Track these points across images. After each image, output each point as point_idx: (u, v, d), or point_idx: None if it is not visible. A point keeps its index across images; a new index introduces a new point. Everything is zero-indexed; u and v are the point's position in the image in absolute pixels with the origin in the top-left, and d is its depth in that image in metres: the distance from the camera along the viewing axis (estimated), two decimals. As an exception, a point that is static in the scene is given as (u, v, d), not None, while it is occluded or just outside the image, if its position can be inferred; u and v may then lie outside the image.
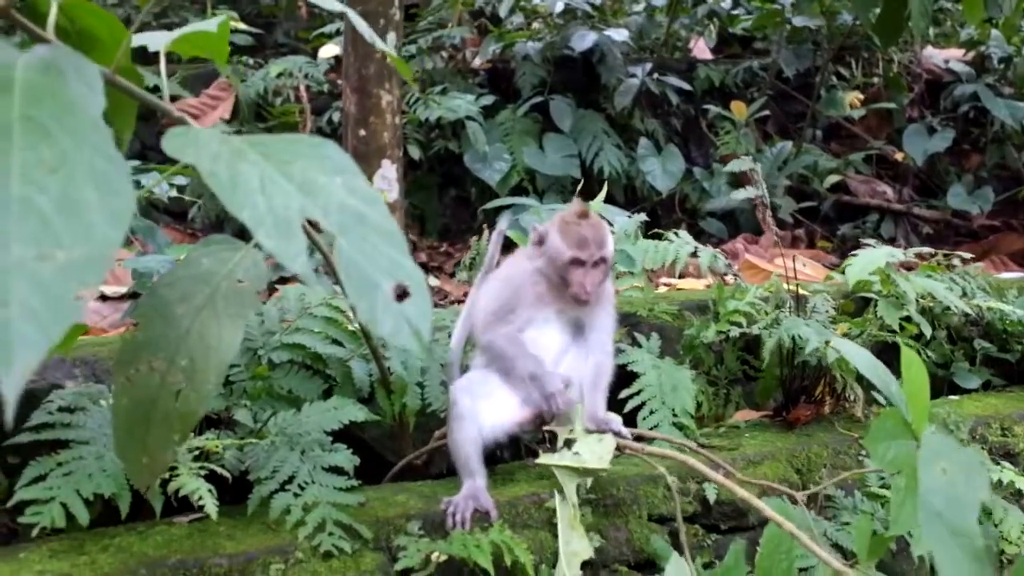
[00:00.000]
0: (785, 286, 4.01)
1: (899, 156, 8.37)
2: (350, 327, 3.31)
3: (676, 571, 2.72)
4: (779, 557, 2.58)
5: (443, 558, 2.70)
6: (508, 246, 3.67)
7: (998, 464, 3.65)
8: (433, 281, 6.10)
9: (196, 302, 2.12)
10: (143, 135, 7.90)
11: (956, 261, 4.58)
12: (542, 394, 2.91)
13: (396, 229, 1.67)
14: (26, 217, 1.33)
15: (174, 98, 6.56)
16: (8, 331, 1.23)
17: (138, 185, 5.55)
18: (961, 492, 2.07)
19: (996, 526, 3.50)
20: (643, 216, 4.14)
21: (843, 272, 4.03)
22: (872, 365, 2.60)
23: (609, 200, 4.85)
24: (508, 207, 5.24)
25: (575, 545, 2.87)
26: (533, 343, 3.00)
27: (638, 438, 3.21)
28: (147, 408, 2.11)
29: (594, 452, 2.94)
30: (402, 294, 1.58)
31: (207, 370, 2.09)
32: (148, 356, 2.10)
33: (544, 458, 2.97)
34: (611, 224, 4.10)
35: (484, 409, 2.96)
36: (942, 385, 4.49)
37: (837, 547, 3.15)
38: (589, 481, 2.99)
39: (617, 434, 2.97)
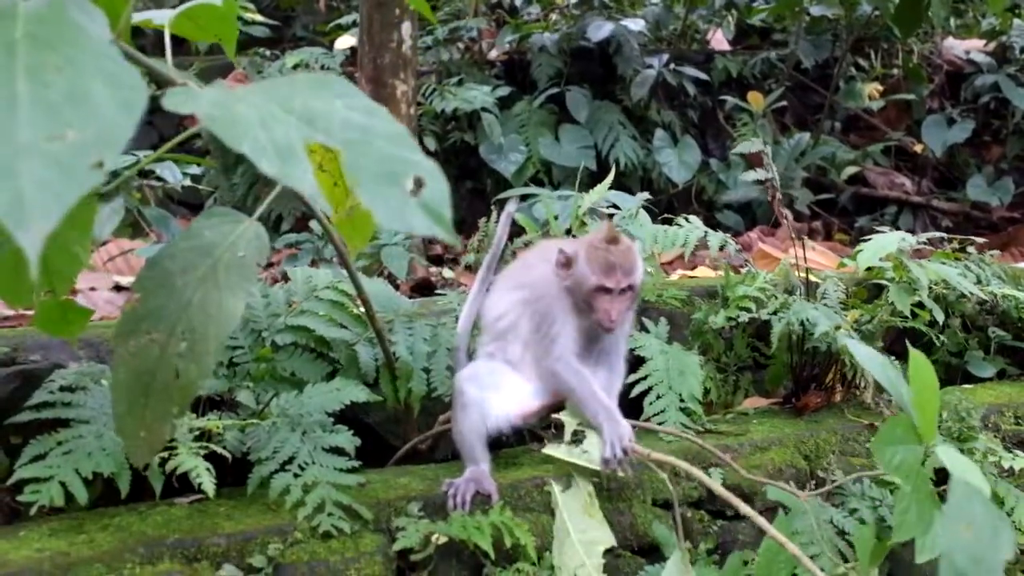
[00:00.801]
0: (796, 273, 3.98)
1: (918, 148, 8.29)
2: (356, 311, 3.30)
3: (676, 566, 2.70)
4: (777, 567, 2.57)
5: (443, 540, 2.69)
6: (516, 232, 3.67)
7: (1011, 452, 3.60)
8: (448, 273, 6.08)
9: (198, 273, 2.12)
10: (161, 126, 7.96)
11: (971, 249, 4.52)
12: (609, 438, 2.83)
13: (402, 130, 1.64)
14: (34, 107, 1.33)
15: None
16: (21, 200, 1.23)
17: (154, 176, 5.58)
18: (986, 552, 2.05)
19: (1009, 515, 3.46)
20: (646, 195, 4.11)
21: (855, 258, 3.98)
22: (882, 367, 2.59)
23: (624, 191, 4.82)
24: (523, 198, 5.23)
25: (593, 533, 2.84)
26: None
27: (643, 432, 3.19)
28: (146, 380, 2.10)
29: None
30: (419, 187, 1.56)
31: (207, 341, 2.08)
32: (148, 327, 2.09)
33: (551, 449, 2.94)
34: (618, 209, 4.08)
35: (491, 400, 2.94)
36: (956, 374, 4.44)
37: (842, 534, 3.11)
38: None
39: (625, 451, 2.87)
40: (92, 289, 4.80)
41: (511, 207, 3.36)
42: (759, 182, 3.77)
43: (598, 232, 2.96)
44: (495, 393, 2.97)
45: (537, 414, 3.03)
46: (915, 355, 2.50)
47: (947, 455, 2.50)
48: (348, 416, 3.05)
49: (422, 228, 1.55)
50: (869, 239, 3.82)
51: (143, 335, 2.12)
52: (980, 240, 4.51)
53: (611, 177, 4.38)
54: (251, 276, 2.18)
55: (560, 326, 2.93)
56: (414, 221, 1.55)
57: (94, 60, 1.44)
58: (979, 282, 4.20)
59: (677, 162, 7.62)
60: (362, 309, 3.24)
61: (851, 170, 8.06)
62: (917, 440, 2.46)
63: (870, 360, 2.63)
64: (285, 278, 4.18)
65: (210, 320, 2.10)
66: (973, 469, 2.55)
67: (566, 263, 2.92)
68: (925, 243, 4.15)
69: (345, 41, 7.84)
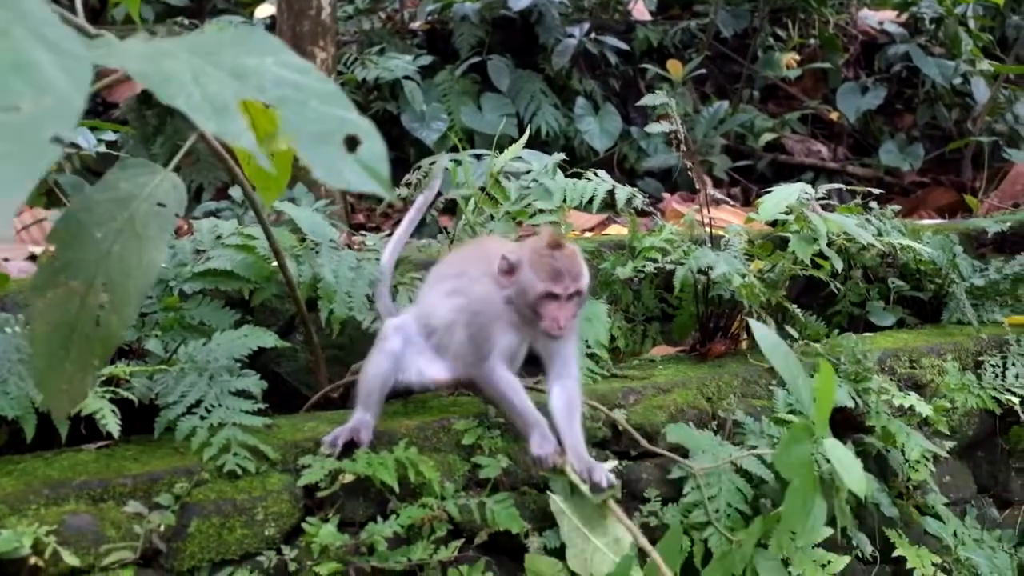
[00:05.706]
0: (702, 226, 4.08)
1: (834, 115, 8.47)
2: (265, 254, 3.33)
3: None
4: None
5: (349, 478, 2.74)
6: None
7: (903, 392, 3.75)
8: (371, 241, 6.10)
9: (116, 224, 2.09)
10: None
11: (873, 204, 4.67)
12: (536, 453, 2.86)
13: (335, 89, 1.67)
14: None
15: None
16: None
17: (68, 142, 5.53)
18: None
19: (901, 451, 3.61)
20: (562, 155, 4.18)
21: (758, 210, 4.09)
22: (784, 358, 2.87)
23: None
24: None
25: (616, 533, 2.92)
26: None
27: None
28: (66, 332, 2.06)
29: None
30: (354, 145, 1.60)
31: (128, 291, 2.07)
32: (66, 279, 2.07)
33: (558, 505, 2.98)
34: (531, 169, 4.14)
35: (409, 356, 3.00)
36: (858, 324, 4.60)
37: (743, 472, 3.22)
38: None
39: (596, 486, 2.87)
40: (6, 260, 4.75)
41: (444, 161, 3.44)
42: (666, 136, 3.85)
43: (540, 238, 2.90)
44: (417, 353, 3.02)
45: (447, 384, 3.09)
46: (824, 365, 2.74)
47: (831, 447, 2.78)
48: (260, 367, 3.09)
49: (360, 184, 1.58)
50: (770, 190, 3.92)
51: (61, 287, 2.10)
52: (876, 191, 4.66)
53: (525, 138, 4.44)
54: (170, 226, 2.18)
55: (496, 340, 2.90)
56: (352, 177, 1.58)
57: (36, 25, 1.39)
58: (879, 234, 4.34)
59: (598, 130, 7.70)
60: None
61: (768, 137, 8.21)
62: (810, 438, 2.73)
63: (774, 351, 2.82)
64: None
65: (130, 270, 2.09)
66: (849, 456, 2.80)
67: (509, 270, 2.87)
68: (828, 199, 4.28)
69: (265, 10, 7.80)
